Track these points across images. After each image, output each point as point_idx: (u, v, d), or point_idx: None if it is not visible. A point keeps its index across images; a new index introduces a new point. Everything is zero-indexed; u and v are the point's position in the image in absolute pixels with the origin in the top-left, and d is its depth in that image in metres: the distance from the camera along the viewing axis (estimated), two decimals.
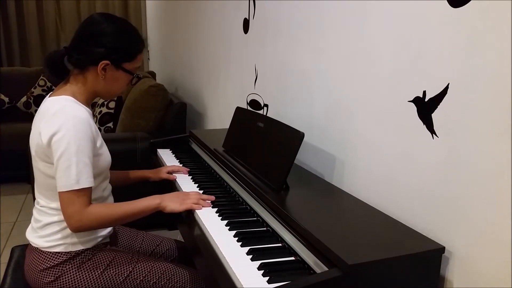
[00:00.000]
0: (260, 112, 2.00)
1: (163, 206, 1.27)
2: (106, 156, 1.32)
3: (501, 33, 0.86)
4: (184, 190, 1.41)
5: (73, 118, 1.17)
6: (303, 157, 1.62)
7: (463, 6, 0.94)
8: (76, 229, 1.21)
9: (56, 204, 1.24)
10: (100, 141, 1.28)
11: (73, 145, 1.15)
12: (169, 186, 1.56)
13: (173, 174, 1.58)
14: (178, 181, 1.54)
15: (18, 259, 1.41)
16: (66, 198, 1.17)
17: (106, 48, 1.25)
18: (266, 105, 1.96)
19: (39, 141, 1.19)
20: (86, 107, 1.28)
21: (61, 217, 1.24)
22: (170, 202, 1.28)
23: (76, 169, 1.16)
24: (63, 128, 1.15)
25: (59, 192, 1.18)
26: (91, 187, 1.20)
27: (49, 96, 1.27)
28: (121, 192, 1.52)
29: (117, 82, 1.31)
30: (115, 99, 3.18)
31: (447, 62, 0.99)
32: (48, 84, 4.14)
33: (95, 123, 3.24)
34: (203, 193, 1.41)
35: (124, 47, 1.28)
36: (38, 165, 1.24)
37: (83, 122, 1.19)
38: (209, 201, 1.31)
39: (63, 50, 1.29)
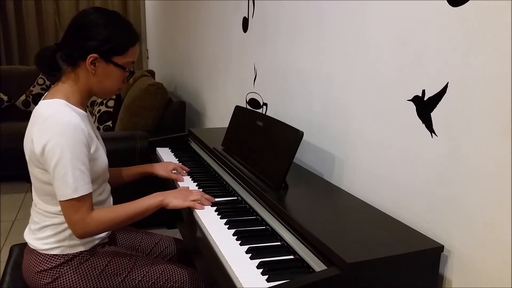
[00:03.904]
0: (260, 111, 2.00)
1: (166, 203, 1.27)
2: (101, 161, 1.28)
3: (500, 32, 0.86)
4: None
5: (64, 125, 1.14)
6: (302, 156, 1.62)
7: (462, 5, 0.94)
8: (82, 236, 1.20)
9: (53, 208, 1.23)
10: (94, 146, 1.24)
11: (67, 153, 1.13)
12: (169, 184, 1.56)
13: (180, 176, 1.56)
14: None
15: (17, 258, 1.41)
16: (68, 207, 1.16)
17: (94, 40, 1.20)
18: (266, 104, 1.96)
19: (32, 147, 1.17)
20: (80, 109, 1.24)
21: (59, 220, 1.23)
22: (173, 199, 1.28)
23: (73, 177, 1.14)
24: (55, 137, 1.13)
25: (60, 202, 1.17)
26: (90, 192, 1.19)
27: (43, 98, 1.24)
28: (121, 192, 1.51)
29: (110, 78, 1.26)
30: (114, 97, 3.18)
31: (446, 61, 0.99)
32: (47, 82, 4.14)
33: (94, 121, 3.24)
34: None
35: (113, 39, 1.22)
36: (33, 171, 1.22)
37: (74, 128, 1.15)
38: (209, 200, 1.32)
39: (53, 46, 1.25)
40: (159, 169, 1.58)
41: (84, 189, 1.16)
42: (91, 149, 1.22)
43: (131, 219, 1.24)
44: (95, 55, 1.21)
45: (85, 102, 1.30)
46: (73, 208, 1.16)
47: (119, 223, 1.23)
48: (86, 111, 1.30)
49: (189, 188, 1.38)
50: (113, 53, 1.23)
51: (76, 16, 1.26)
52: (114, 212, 1.22)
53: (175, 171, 1.60)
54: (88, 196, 1.18)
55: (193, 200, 1.29)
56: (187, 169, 1.62)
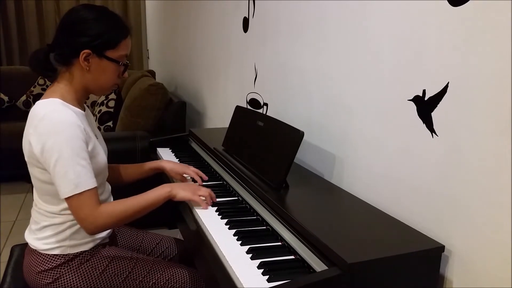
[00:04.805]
0: (260, 111, 2.00)
1: (174, 194, 1.27)
2: (100, 158, 1.27)
3: (500, 32, 0.86)
4: None
5: (60, 124, 1.13)
6: (303, 156, 1.62)
7: (463, 5, 0.94)
8: (92, 231, 1.19)
9: (54, 208, 1.23)
10: (92, 143, 1.23)
11: (66, 150, 1.12)
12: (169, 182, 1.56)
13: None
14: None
15: (18, 258, 1.41)
16: (73, 204, 1.15)
17: (85, 36, 1.20)
18: (266, 104, 1.96)
19: (31, 148, 1.16)
20: (77, 108, 1.23)
21: (59, 220, 1.23)
22: (181, 190, 1.28)
23: (74, 173, 1.13)
24: (52, 136, 1.12)
25: (65, 200, 1.16)
26: (95, 187, 1.18)
27: (40, 99, 1.23)
28: (122, 193, 1.51)
29: (105, 73, 1.25)
30: (115, 97, 3.18)
31: (446, 61, 0.99)
32: (48, 83, 4.14)
33: (95, 121, 3.25)
34: None
35: (104, 34, 1.21)
36: (32, 171, 1.22)
37: (70, 125, 1.15)
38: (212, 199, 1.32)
39: (46, 47, 1.25)
40: (169, 168, 1.54)
41: (87, 183, 1.15)
42: (89, 147, 1.21)
43: (140, 212, 1.23)
44: (87, 51, 1.20)
45: (82, 101, 1.30)
46: (79, 204, 1.15)
47: (129, 216, 1.21)
48: (84, 110, 1.29)
49: (199, 185, 1.37)
50: (106, 48, 1.23)
51: (65, 14, 1.25)
52: (123, 205, 1.21)
53: (187, 176, 1.55)
54: (93, 190, 1.17)
55: (200, 196, 1.28)
56: (205, 177, 1.53)
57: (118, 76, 1.30)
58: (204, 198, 1.30)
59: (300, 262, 1.00)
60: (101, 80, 1.26)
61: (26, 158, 1.22)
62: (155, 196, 1.25)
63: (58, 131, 1.13)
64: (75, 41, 1.20)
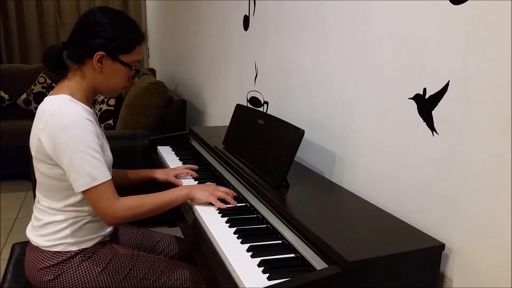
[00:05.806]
0: (260, 109, 2.00)
1: (192, 195, 1.28)
2: (107, 156, 1.29)
3: (501, 30, 0.86)
4: None
5: (71, 118, 1.15)
6: (303, 154, 1.62)
7: (464, 3, 0.93)
8: (112, 222, 1.21)
9: (56, 205, 1.23)
10: (100, 140, 1.25)
11: (79, 143, 1.14)
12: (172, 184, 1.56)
13: (180, 180, 1.53)
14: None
15: (19, 256, 1.41)
16: (92, 196, 1.16)
17: (101, 38, 1.22)
18: (266, 102, 1.95)
19: (40, 145, 1.17)
20: (85, 105, 1.25)
21: (61, 217, 1.24)
22: (199, 191, 1.29)
23: (90, 166, 1.14)
24: (63, 131, 1.13)
25: (83, 193, 1.17)
26: (111, 179, 1.19)
27: (49, 95, 1.25)
28: (124, 194, 1.51)
29: (116, 76, 1.27)
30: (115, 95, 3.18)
31: (447, 59, 0.99)
32: (48, 81, 4.14)
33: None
34: None
35: (120, 38, 1.24)
36: (38, 166, 1.23)
37: (81, 119, 1.16)
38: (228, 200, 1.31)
39: (60, 44, 1.27)
40: (158, 175, 1.56)
41: (104, 175, 1.17)
42: (99, 141, 1.22)
43: (159, 208, 1.24)
44: (102, 53, 1.22)
45: (90, 100, 1.31)
46: (98, 196, 1.16)
47: (147, 211, 1.22)
48: (91, 108, 1.30)
49: (217, 185, 1.37)
50: (120, 51, 1.25)
51: (82, 15, 1.27)
52: (142, 199, 1.23)
53: (182, 174, 1.56)
54: (110, 182, 1.19)
55: (218, 196, 1.28)
56: (195, 167, 1.59)
57: (128, 80, 1.32)
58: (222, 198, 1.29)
59: (301, 260, 1.00)
60: (111, 82, 1.28)
61: (33, 153, 1.23)
62: (175, 196, 1.27)
63: (69, 126, 1.14)
64: (90, 42, 1.22)
